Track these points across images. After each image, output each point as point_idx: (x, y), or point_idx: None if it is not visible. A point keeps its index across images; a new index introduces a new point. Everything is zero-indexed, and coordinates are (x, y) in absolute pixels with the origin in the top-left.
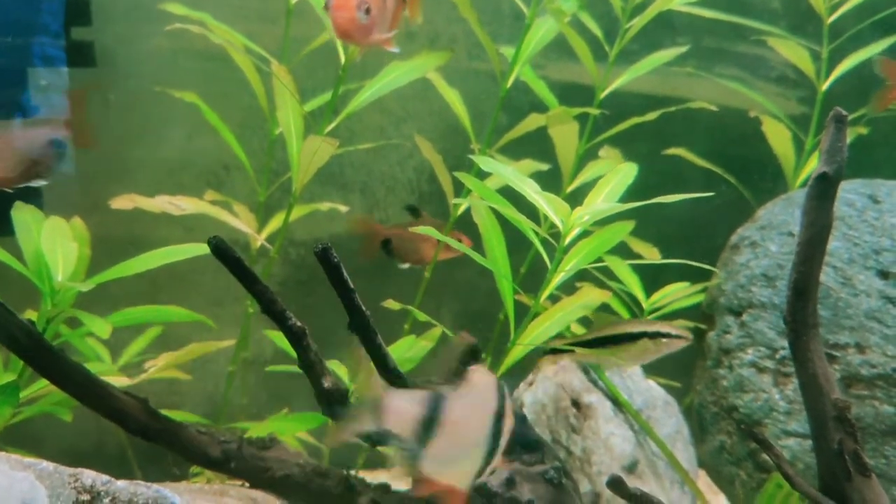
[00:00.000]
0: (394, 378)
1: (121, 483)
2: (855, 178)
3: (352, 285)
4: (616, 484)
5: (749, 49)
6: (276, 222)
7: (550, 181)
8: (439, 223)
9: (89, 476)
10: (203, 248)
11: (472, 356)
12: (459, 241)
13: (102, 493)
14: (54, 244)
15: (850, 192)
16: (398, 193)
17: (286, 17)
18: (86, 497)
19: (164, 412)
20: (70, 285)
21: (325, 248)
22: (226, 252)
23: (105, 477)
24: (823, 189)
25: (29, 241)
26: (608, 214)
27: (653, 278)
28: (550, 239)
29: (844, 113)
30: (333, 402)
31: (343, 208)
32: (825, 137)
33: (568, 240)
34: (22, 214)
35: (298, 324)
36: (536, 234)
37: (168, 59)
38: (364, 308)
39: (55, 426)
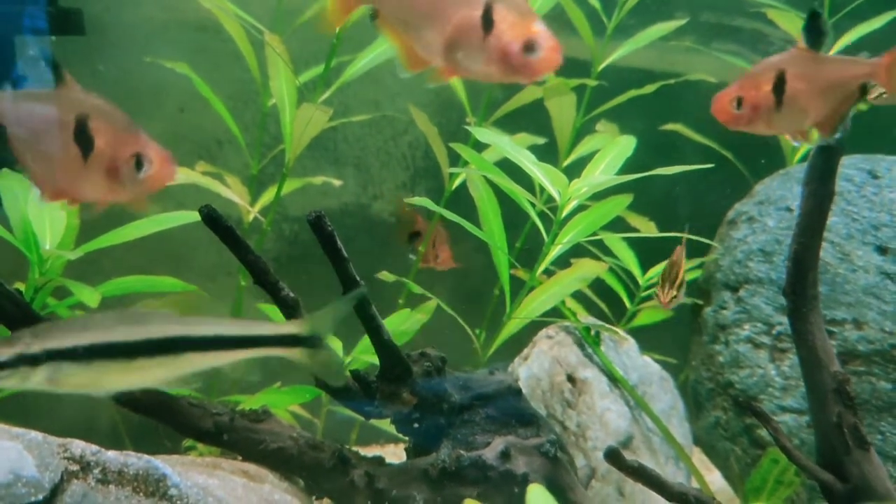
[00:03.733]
0: (388, 349)
1: (111, 453)
2: (855, 154)
3: (345, 255)
4: (613, 456)
5: (747, 23)
6: (268, 196)
7: (546, 156)
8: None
9: (78, 446)
10: (194, 216)
11: None
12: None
13: (92, 462)
14: (41, 212)
15: (849, 167)
16: (392, 168)
17: None
18: (75, 467)
19: None
20: (58, 253)
21: (318, 215)
22: (217, 220)
23: (94, 447)
24: (825, 160)
25: (15, 209)
26: (606, 187)
27: (649, 253)
28: (548, 211)
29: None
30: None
31: (337, 183)
32: None
33: (565, 212)
34: (8, 182)
35: (292, 295)
36: (533, 206)
37: (159, 29)
38: (358, 278)
39: (45, 400)
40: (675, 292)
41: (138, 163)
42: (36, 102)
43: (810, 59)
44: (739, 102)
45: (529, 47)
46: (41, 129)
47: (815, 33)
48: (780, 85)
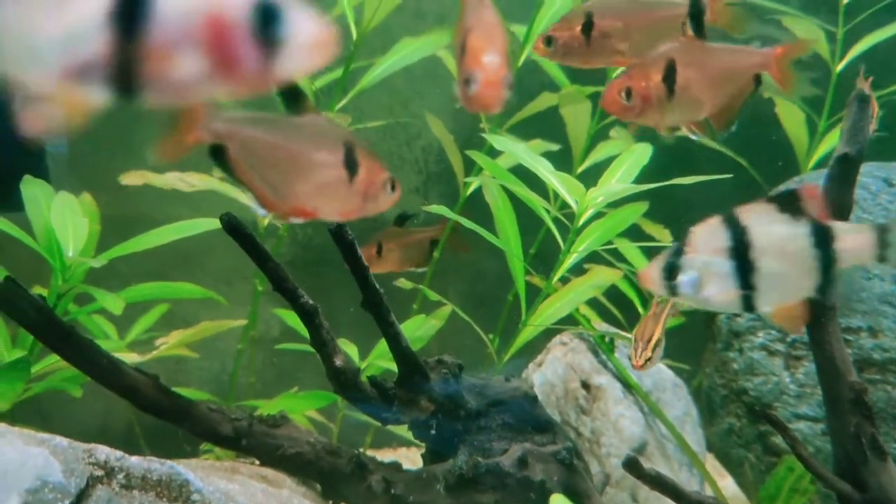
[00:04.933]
0: (406, 356)
1: (134, 459)
2: (871, 161)
3: (365, 263)
4: (631, 464)
5: (763, 28)
6: None
7: (560, 162)
8: (432, 230)
9: (103, 452)
10: (214, 224)
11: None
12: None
13: (116, 468)
14: (64, 220)
15: (864, 175)
16: (405, 173)
17: None
18: (100, 472)
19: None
20: (81, 261)
21: (340, 225)
22: (238, 229)
23: (119, 453)
24: (845, 170)
25: (39, 217)
26: (622, 196)
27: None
28: (563, 218)
29: (867, 93)
30: (345, 380)
31: None
32: (847, 117)
33: (582, 220)
34: (32, 189)
35: (311, 302)
36: (549, 213)
37: None
38: (377, 286)
39: (63, 403)
40: (649, 353)
41: (392, 185)
42: (284, 127)
43: (700, 48)
44: (629, 93)
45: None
46: (298, 153)
47: (699, 21)
48: (670, 74)
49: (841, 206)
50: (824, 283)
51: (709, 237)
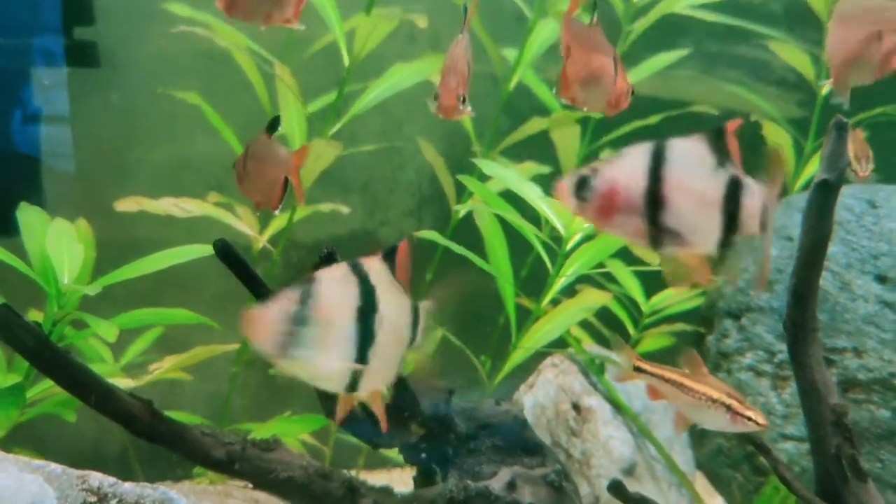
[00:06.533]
0: (397, 382)
1: (127, 485)
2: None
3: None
4: (616, 488)
5: (750, 52)
6: (277, 223)
7: (552, 184)
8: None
9: (96, 478)
10: (207, 250)
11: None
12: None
13: (109, 494)
14: (60, 246)
15: (848, 196)
16: (399, 194)
17: None
18: (93, 499)
19: (167, 413)
20: (76, 288)
21: (329, 252)
22: (231, 255)
23: (111, 479)
24: (824, 196)
25: (34, 243)
26: None
27: (652, 281)
28: (552, 243)
29: (846, 120)
30: (335, 405)
31: (344, 210)
32: (826, 144)
33: (570, 245)
34: (27, 216)
35: None
36: (539, 238)
37: (171, 59)
38: None
39: (57, 426)
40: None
41: None
42: None
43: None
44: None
45: None
46: None
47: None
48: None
49: (821, 231)
50: (726, 238)
51: (631, 162)
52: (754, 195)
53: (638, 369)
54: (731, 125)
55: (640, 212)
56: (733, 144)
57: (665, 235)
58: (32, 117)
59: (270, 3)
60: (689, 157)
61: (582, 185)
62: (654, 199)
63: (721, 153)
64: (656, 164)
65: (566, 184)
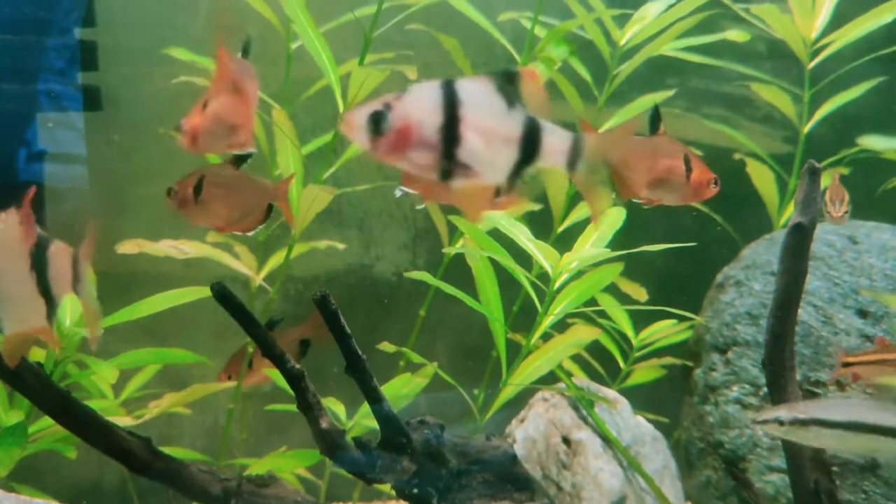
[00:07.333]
0: (388, 420)
1: None
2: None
3: (348, 331)
4: None
5: (735, 90)
6: (275, 261)
7: (542, 222)
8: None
9: None
10: (205, 292)
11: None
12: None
13: None
14: None
15: (830, 233)
16: (394, 229)
17: (286, 61)
18: None
19: (164, 447)
20: (77, 332)
21: (323, 295)
22: (228, 298)
23: None
24: (799, 239)
25: None
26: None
27: (642, 314)
28: (540, 284)
29: (818, 165)
30: (330, 442)
31: (340, 246)
32: (799, 189)
33: (557, 285)
34: None
35: (297, 366)
36: (527, 279)
37: (171, 100)
38: (360, 353)
39: (57, 460)
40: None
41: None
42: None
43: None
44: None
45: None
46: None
47: None
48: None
49: (796, 273)
50: (514, 176)
51: (425, 98)
52: (555, 134)
53: (846, 364)
54: (528, 72)
55: (435, 147)
56: (533, 89)
57: (457, 169)
58: (37, 155)
59: (226, 134)
60: (479, 95)
61: (375, 120)
62: (449, 135)
63: (509, 94)
64: (450, 100)
65: (357, 119)
